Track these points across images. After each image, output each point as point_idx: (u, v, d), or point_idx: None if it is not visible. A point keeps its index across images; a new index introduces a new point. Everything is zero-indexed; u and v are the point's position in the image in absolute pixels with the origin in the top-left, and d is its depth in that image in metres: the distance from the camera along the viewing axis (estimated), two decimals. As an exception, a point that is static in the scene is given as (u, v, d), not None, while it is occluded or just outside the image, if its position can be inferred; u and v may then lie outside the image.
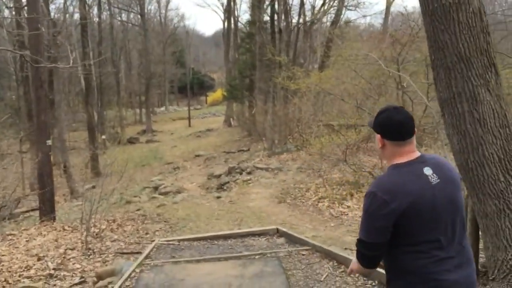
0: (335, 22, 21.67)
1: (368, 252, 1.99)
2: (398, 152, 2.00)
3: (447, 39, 3.67)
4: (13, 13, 20.77)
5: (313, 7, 25.07)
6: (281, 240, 6.60)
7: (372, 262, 2.02)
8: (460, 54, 3.61)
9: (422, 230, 1.90)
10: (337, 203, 8.94)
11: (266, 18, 24.95)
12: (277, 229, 7.07)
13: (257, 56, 23.88)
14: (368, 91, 12.43)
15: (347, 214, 8.15)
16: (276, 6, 22.78)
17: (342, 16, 22.93)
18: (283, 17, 22.74)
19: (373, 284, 4.29)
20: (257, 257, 5.66)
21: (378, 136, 2.06)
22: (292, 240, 6.45)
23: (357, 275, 4.62)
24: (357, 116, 11.68)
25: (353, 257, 5.03)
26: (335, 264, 5.09)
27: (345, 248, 5.75)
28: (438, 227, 1.92)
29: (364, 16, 25.19)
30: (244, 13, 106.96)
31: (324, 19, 25.50)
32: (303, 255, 5.56)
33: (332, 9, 22.98)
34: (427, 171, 1.95)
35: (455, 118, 3.69)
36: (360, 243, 2.01)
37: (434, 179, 1.94)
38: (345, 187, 9.83)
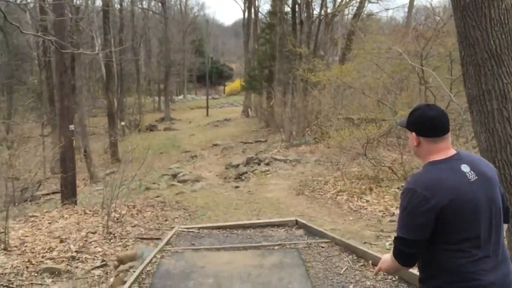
0: (357, 14, 21.46)
1: (408, 250, 1.96)
2: (434, 149, 1.99)
3: (478, 36, 3.63)
4: (37, -2, 21.03)
5: (335, -2, 24.87)
6: (300, 231, 6.63)
7: (411, 260, 2.00)
8: (491, 51, 3.57)
9: (461, 227, 1.89)
10: (356, 197, 8.91)
11: (287, 9, 24.83)
12: (296, 220, 7.10)
13: (277, 47, 23.81)
14: (389, 85, 12.33)
15: (366, 209, 8.13)
16: (298, -4, 22.63)
17: (364, 8, 22.69)
18: (304, 8, 22.57)
19: (393, 279, 4.30)
20: (276, 247, 5.70)
21: (412, 134, 2.05)
22: (311, 232, 6.47)
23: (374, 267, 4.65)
24: (378, 110, 11.61)
25: (372, 251, 5.06)
26: (355, 257, 5.10)
27: (364, 242, 5.75)
28: (476, 226, 1.90)
29: (387, 10, 24.99)
30: (264, 3, 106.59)
31: (346, 11, 25.30)
32: (322, 247, 5.59)
33: (354, 1, 22.79)
34: (465, 168, 1.94)
35: (484, 116, 3.65)
36: (399, 240, 1.98)
37: (472, 176, 1.93)
38: (364, 181, 9.79)
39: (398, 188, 8.69)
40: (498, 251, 1.95)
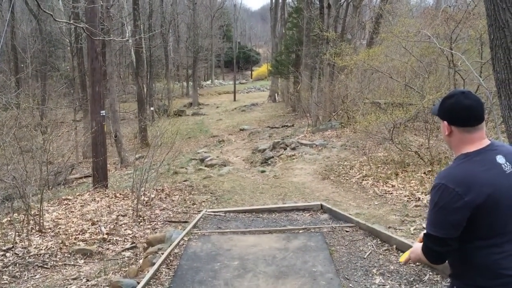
0: (386, -3, 20.96)
1: (439, 248, 1.87)
2: (468, 140, 1.90)
3: (508, 18, 3.56)
4: (68, -15, 21.40)
5: (364, -19, 24.36)
6: (325, 216, 6.66)
7: (442, 258, 1.91)
8: (521, 34, 3.51)
9: (497, 223, 1.81)
10: (381, 181, 8.85)
11: (315, -8, 24.48)
12: (321, 205, 7.14)
13: (304, 31, 23.57)
14: (417, 69, 12.10)
15: (391, 193, 8.07)
16: (326, -20, 22.25)
17: (394, -9, 22.12)
18: (332, -9, 22.20)
19: (417, 263, 4.30)
20: (301, 231, 5.77)
21: (444, 123, 1.96)
22: (335, 216, 6.51)
23: (401, 254, 4.66)
24: (405, 94, 11.43)
25: (397, 236, 5.06)
26: (379, 242, 5.12)
27: (389, 227, 5.75)
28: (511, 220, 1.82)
29: (417, -9, 24.23)
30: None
31: (375, -6, 24.75)
32: (346, 231, 5.62)
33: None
34: (500, 159, 1.85)
35: (512, 100, 3.60)
36: (429, 238, 1.89)
37: (508, 167, 1.84)
38: (390, 166, 9.71)
39: (424, 173, 8.60)
40: None
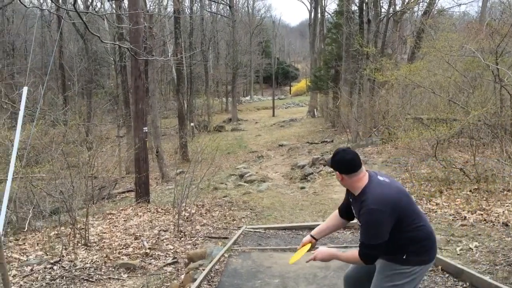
0: (427, 11, 20.67)
1: (375, 252, 2.60)
2: (357, 180, 2.69)
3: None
4: (113, 6, 22.27)
5: (404, -5, 24.12)
6: (366, 234, 6.55)
7: (377, 259, 2.67)
8: None
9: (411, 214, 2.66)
10: (425, 199, 8.62)
11: (354, 7, 24.45)
12: (363, 224, 7.02)
13: (343, 46, 23.54)
14: (461, 84, 11.81)
15: (435, 212, 7.84)
16: (366, -5, 22.21)
17: (435, 4, 21.79)
18: (372, 6, 22.13)
19: (464, 285, 4.17)
20: (342, 250, 5.69)
21: (337, 173, 2.73)
22: (377, 235, 6.38)
23: (446, 275, 4.52)
24: (449, 110, 11.17)
25: (441, 256, 4.92)
26: (423, 262, 4.98)
27: (434, 247, 5.58)
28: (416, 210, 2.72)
29: (459, 5, 23.85)
30: (331, 3, 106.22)
31: (416, 8, 24.46)
32: (389, 251, 5.50)
33: (424, -3, 21.97)
34: (380, 177, 2.73)
35: None
36: (367, 248, 2.59)
37: (387, 180, 2.72)
38: (433, 184, 9.45)
39: (470, 191, 8.32)
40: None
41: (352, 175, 2.66)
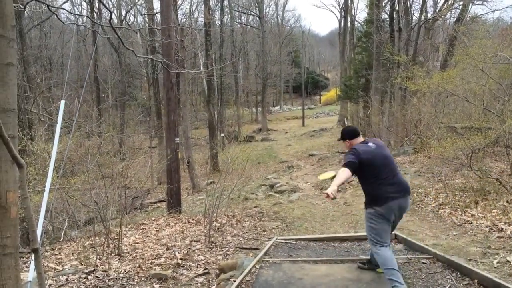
0: (460, 18, 20.28)
1: (349, 164, 4.26)
2: (357, 141, 4.67)
3: None
4: (146, 20, 22.81)
5: (435, 3, 23.80)
6: (399, 246, 6.44)
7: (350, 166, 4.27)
8: None
9: (376, 171, 4.41)
10: (460, 210, 8.42)
11: (385, 16, 24.22)
12: (395, 234, 6.90)
13: (374, 55, 23.28)
14: (496, 91, 11.50)
15: (471, 223, 7.64)
16: (396, 3, 21.98)
17: (468, 11, 21.36)
18: (403, 14, 21.88)
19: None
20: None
21: (346, 141, 4.77)
22: (411, 247, 6.26)
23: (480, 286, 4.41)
24: (483, 118, 10.89)
25: (478, 269, 4.79)
26: (459, 275, 4.86)
27: (470, 260, 5.44)
28: (383, 168, 4.43)
29: (493, 11, 23.29)
30: (361, 12, 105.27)
31: (448, 15, 24.03)
32: (423, 263, 5.39)
33: (457, 4, 21.58)
34: (370, 144, 4.54)
35: None
36: (345, 164, 4.27)
37: (373, 147, 4.49)
38: (468, 194, 9.21)
39: (507, 201, 8.07)
40: (399, 183, 4.47)
41: (353, 140, 4.67)
